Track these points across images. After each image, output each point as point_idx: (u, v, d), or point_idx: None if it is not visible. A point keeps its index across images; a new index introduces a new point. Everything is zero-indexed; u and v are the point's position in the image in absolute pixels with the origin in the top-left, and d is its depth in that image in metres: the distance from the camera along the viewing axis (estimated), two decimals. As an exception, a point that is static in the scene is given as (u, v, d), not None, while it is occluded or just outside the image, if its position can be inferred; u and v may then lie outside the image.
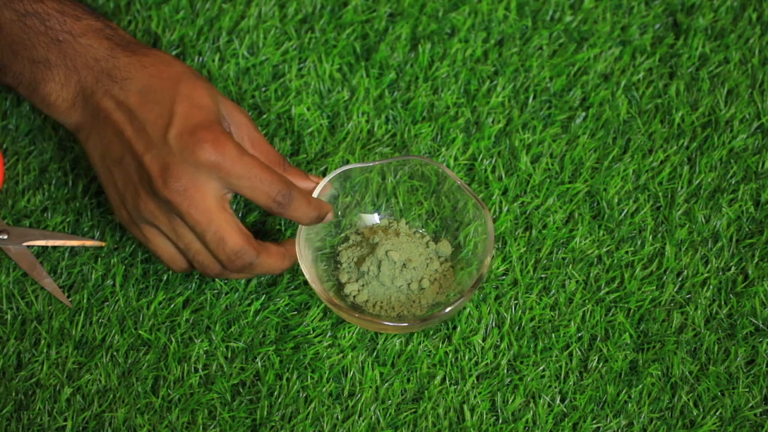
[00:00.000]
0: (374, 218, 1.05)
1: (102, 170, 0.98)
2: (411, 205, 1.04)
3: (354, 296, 1.02)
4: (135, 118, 0.96)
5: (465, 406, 1.01)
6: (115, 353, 1.01)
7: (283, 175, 0.96)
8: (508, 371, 1.02)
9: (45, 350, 1.01)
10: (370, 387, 1.01)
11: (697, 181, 1.09)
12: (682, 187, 1.08)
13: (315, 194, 1.01)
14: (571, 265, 1.05)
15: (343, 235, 1.04)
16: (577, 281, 1.05)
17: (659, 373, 1.02)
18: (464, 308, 1.03)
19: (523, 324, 1.03)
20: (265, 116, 1.10)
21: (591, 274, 1.05)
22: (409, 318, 1.01)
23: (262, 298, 1.03)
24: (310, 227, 1.01)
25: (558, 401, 1.01)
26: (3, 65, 0.99)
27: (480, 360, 1.02)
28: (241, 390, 1.01)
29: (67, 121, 0.99)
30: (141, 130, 0.95)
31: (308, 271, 0.99)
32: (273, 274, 0.99)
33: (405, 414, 1.00)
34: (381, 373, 1.02)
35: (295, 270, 1.04)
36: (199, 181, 0.94)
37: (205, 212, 0.94)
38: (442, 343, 1.02)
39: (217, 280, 1.03)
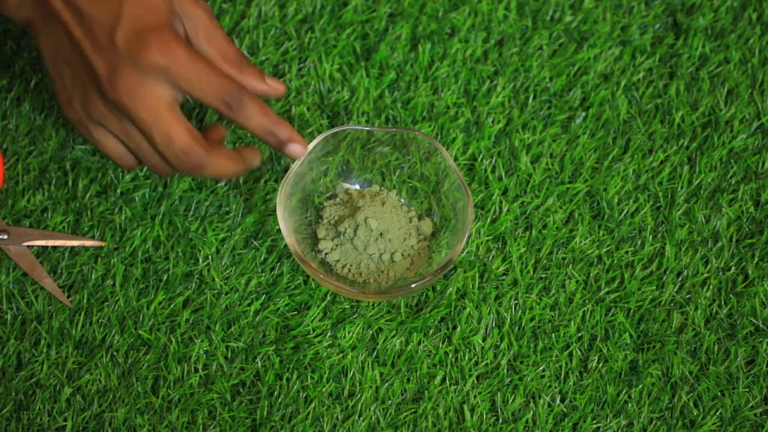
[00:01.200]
0: (358, 184, 1.06)
1: (52, 69, 0.97)
2: (403, 181, 1.05)
3: (326, 254, 1.03)
4: (83, 18, 0.94)
5: (465, 406, 1.01)
6: (115, 353, 1.01)
7: (234, 78, 0.95)
8: (508, 371, 1.02)
9: (45, 350, 1.01)
10: (370, 387, 1.01)
11: (697, 181, 1.09)
12: (682, 187, 1.08)
13: (309, 148, 1.01)
14: (571, 265, 1.05)
15: (331, 192, 1.05)
16: (577, 281, 1.05)
17: (659, 373, 1.02)
18: (464, 308, 1.03)
19: (523, 324, 1.03)
20: (265, 116, 1.10)
21: (591, 274, 1.05)
22: (373, 287, 1.01)
23: (262, 298, 1.03)
24: (299, 176, 1.02)
25: (558, 401, 1.01)
26: None
27: (480, 360, 1.02)
28: (241, 390, 1.01)
29: (17, 17, 0.98)
30: (89, 31, 0.94)
31: (284, 221, 1.00)
32: (226, 177, 0.98)
33: (405, 414, 1.00)
34: (381, 373, 1.02)
35: (295, 270, 1.04)
36: (147, 82, 0.94)
37: (152, 113, 0.94)
38: (442, 343, 1.03)
39: (216, 279, 1.03)
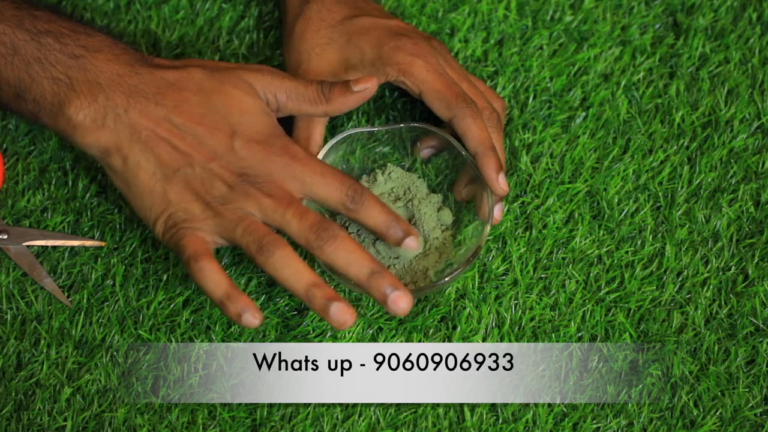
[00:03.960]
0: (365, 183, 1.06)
1: (150, 188, 0.96)
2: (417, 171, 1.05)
3: None
4: (187, 133, 0.95)
5: (465, 406, 1.01)
6: (115, 353, 1.01)
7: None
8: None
9: (45, 350, 1.01)
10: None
11: (697, 181, 1.09)
12: (682, 187, 1.08)
13: (320, 156, 1.01)
14: (571, 265, 1.05)
15: None
16: (577, 281, 1.05)
17: (659, 373, 1.02)
18: (464, 308, 1.03)
19: (523, 324, 1.03)
20: (265, 116, 1.10)
21: (591, 274, 1.05)
22: (409, 287, 1.01)
23: (262, 298, 1.03)
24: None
25: (558, 401, 1.01)
26: (21, 91, 0.96)
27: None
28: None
29: (96, 143, 0.96)
30: (199, 143, 0.95)
31: None
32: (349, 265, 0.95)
33: (405, 414, 1.00)
34: (381, 373, 1.02)
35: (295, 270, 1.04)
36: (277, 178, 0.95)
37: (289, 199, 0.95)
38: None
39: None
